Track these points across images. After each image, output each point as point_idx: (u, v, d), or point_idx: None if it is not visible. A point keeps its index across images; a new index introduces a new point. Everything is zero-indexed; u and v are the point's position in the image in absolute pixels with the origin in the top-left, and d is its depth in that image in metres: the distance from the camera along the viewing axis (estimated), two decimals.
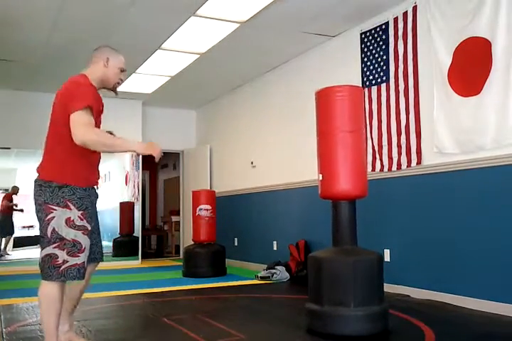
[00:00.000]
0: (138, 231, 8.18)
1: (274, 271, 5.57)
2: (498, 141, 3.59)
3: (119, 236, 8.26)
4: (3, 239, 11.02)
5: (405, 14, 4.44)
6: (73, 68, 6.16)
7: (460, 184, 3.89)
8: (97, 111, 2.47)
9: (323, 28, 5.14)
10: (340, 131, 3.09)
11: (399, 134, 4.45)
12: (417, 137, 4.28)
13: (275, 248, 6.26)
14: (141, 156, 8.09)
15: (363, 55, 4.93)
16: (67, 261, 2.36)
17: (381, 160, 4.64)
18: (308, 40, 5.46)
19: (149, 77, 6.75)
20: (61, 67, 6.24)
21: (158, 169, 11.65)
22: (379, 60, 4.72)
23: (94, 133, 2.35)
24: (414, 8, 4.36)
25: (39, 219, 2.41)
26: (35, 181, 2.46)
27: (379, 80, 4.70)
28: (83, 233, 2.42)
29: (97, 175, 2.63)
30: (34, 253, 10.99)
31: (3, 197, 10.83)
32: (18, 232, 10.84)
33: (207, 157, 8.19)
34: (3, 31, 5.04)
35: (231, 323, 3.34)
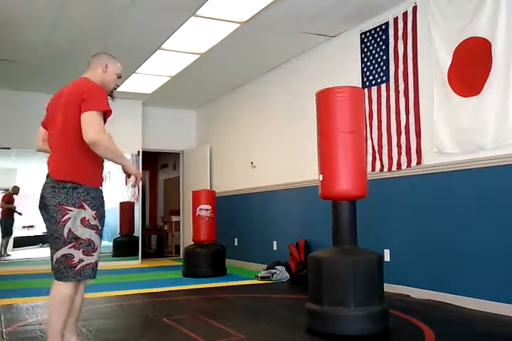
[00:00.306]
0: (138, 231, 8.18)
1: (274, 271, 5.57)
2: (498, 141, 3.59)
3: (119, 236, 8.25)
4: (3, 240, 11.02)
5: (405, 14, 4.44)
6: (73, 68, 6.20)
7: (460, 184, 3.90)
8: (109, 116, 2.52)
9: (323, 28, 5.14)
10: (340, 132, 3.09)
11: (399, 134, 4.45)
12: (417, 137, 4.29)
13: (275, 248, 6.26)
14: (141, 156, 8.12)
15: (362, 55, 4.93)
16: (83, 260, 2.39)
17: (381, 160, 4.64)
18: (308, 40, 5.46)
19: (149, 77, 6.74)
20: (61, 67, 6.24)
21: (158, 169, 11.66)
22: (379, 60, 4.72)
23: (106, 136, 2.40)
24: (414, 8, 4.36)
25: (53, 219, 2.40)
26: (47, 182, 2.46)
27: (379, 80, 4.70)
28: (96, 232, 2.46)
29: (103, 175, 2.66)
30: (34, 253, 11.01)
31: (3, 198, 10.83)
32: (18, 232, 10.85)
33: (207, 157, 8.19)
34: (3, 31, 5.04)
35: (231, 323, 3.34)
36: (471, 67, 3.81)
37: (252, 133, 6.99)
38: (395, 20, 4.54)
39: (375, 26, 4.78)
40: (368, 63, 4.85)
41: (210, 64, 6.20)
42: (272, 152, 6.50)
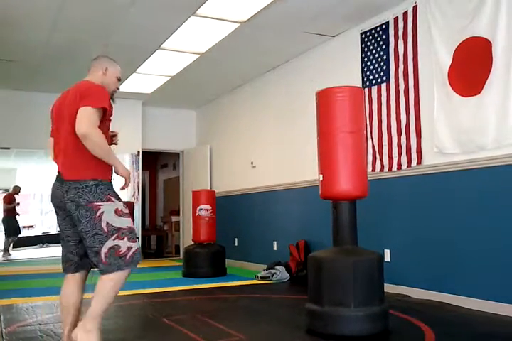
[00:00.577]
0: (138, 232, 8.17)
1: (274, 271, 5.57)
2: (498, 141, 3.58)
3: None
4: (8, 240, 11.06)
5: (405, 14, 4.44)
6: (73, 68, 6.21)
7: (460, 184, 3.89)
8: (109, 115, 2.54)
9: (323, 28, 5.14)
10: (340, 132, 3.09)
11: (399, 134, 4.45)
12: (417, 137, 4.28)
13: (275, 248, 6.25)
14: (140, 156, 8.12)
15: (363, 55, 4.93)
16: (131, 248, 2.45)
17: (381, 160, 4.64)
18: (308, 40, 5.46)
19: (149, 77, 6.75)
20: (61, 67, 6.24)
21: (158, 169, 11.65)
22: (379, 59, 4.72)
23: (98, 132, 2.39)
24: (415, 8, 4.36)
25: (88, 218, 2.42)
26: (66, 184, 2.46)
27: (379, 80, 4.70)
28: (131, 219, 2.54)
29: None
30: (34, 253, 11.01)
31: (5, 198, 10.84)
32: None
33: (207, 157, 8.19)
34: (3, 31, 5.04)
35: (231, 323, 3.34)
36: (471, 66, 3.80)
37: (252, 133, 6.99)
38: (395, 20, 4.54)
39: (375, 26, 4.77)
40: (368, 63, 4.85)
41: (210, 64, 6.20)
42: (271, 152, 6.50)
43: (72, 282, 2.58)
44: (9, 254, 10.33)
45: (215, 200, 6.54)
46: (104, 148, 2.43)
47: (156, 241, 10.67)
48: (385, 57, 4.66)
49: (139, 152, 8.09)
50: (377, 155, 4.68)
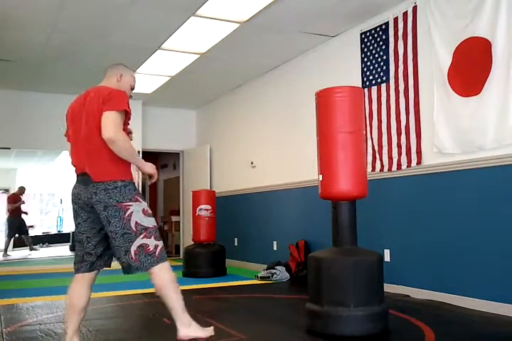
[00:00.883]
0: None
1: (274, 271, 5.57)
2: (498, 141, 3.58)
3: None
4: (15, 239, 11.06)
5: (405, 14, 4.44)
6: (73, 68, 6.22)
7: (460, 184, 3.89)
8: (129, 118, 2.64)
9: (323, 28, 5.14)
10: (340, 132, 3.09)
11: (399, 134, 4.45)
12: (417, 137, 4.28)
13: (275, 248, 6.26)
14: (141, 156, 8.11)
15: (363, 55, 4.93)
16: (158, 246, 2.61)
17: (381, 160, 4.64)
18: (308, 40, 5.46)
19: (149, 77, 6.75)
20: (61, 67, 6.24)
21: (158, 169, 11.65)
22: (379, 60, 4.72)
23: (124, 135, 2.51)
24: (414, 8, 4.36)
25: (117, 218, 2.49)
26: (94, 185, 2.50)
27: (379, 80, 4.70)
28: (155, 219, 2.66)
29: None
30: (34, 253, 11.01)
31: (10, 199, 10.88)
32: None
33: (207, 157, 8.19)
34: (3, 31, 5.04)
35: (231, 323, 3.34)
36: (471, 67, 3.80)
37: (252, 133, 6.99)
38: (395, 20, 4.54)
39: (375, 26, 4.78)
40: (368, 63, 4.85)
41: (209, 64, 6.20)
42: (271, 152, 6.50)
43: (81, 282, 2.62)
44: (7, 255, 10.33)
45: (215, 200, 6.54)
46: (129, 150, 2.54)
47: None
48: (384, 57, 4.66)
49: (139, 152, 8.09)
50: (377, 156, 4.68)
